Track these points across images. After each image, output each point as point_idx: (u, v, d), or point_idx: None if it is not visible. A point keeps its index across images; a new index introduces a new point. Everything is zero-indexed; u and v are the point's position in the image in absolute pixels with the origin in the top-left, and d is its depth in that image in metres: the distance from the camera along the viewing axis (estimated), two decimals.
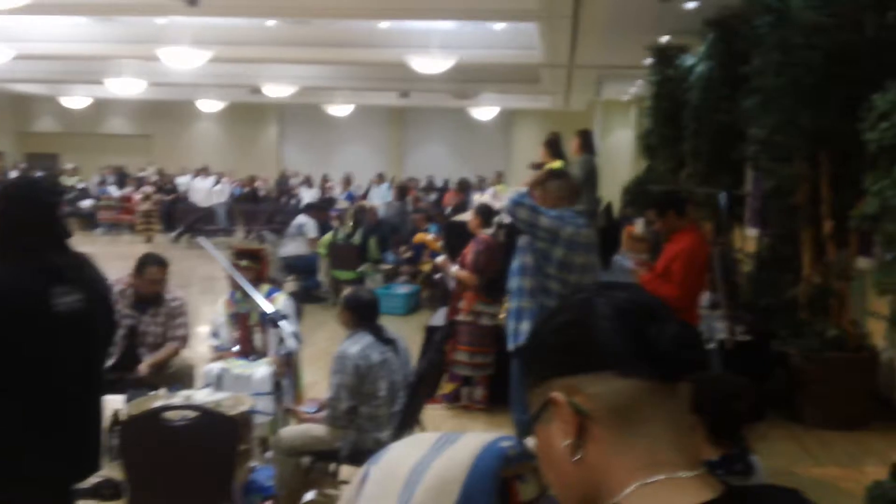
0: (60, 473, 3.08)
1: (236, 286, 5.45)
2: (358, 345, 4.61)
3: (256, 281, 5.89)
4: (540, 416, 1.07)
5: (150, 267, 5.63)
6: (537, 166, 6.59)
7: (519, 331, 5.03)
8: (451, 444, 2.75)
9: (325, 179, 22.84)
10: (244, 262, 5.73)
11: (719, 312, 6.70)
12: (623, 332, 1.01)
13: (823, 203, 6.57)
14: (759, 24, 6.77)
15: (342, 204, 18.18)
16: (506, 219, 8.03)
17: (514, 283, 5.17)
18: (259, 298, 4.51)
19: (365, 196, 20.26)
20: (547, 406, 1.05)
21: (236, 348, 5.85)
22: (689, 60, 10.65)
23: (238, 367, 5.67)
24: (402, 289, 11.59)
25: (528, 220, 4.94)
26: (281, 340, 4.83)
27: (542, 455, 1.09)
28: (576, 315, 1.06)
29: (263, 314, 4.12)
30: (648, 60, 12.12)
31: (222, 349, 5.90)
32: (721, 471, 2.46)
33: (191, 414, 3.80)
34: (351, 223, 11.95)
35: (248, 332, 5.87)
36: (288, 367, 5.70)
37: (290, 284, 12.29)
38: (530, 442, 1.14)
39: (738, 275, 7.62)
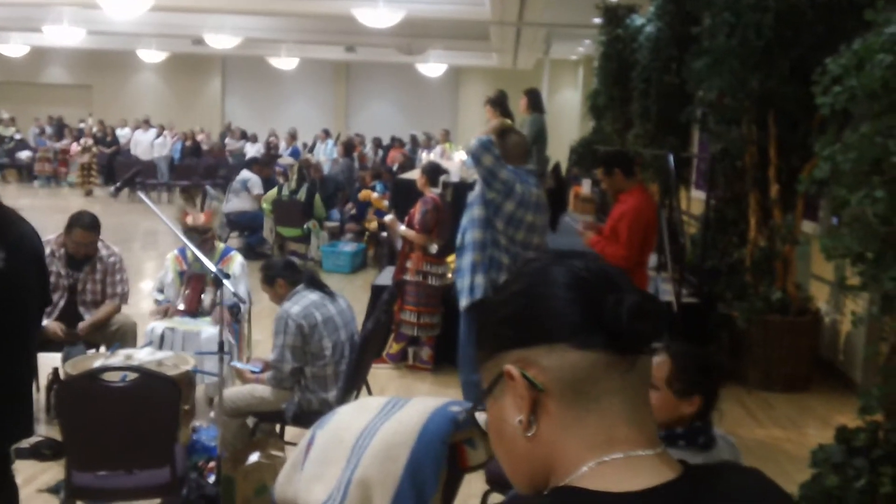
0: None
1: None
2: (299, 305, 4.53)
3: (212, 246, 5.80)
4: (492, 391, 1.02)
5: (76, 229, 5.40)
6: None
7: (474, 285, 4.97)
8: (399, 408, 2.72)
9: (271, 135, 22.48)
10: (201, 238, 5.63)
11: (665, 274, 6.72)
12: (579, 303, 0.96)
13: (771, 166, 6.61)
14: None
15: (287, 160, 17.93)
16: (453, 178, 7.97)
17: (465, 237, 5.10)
18: (203, 257, 4.39)
19: (310, 152, 20.02)
20: (499, 380, 1.00)
21: (181, 306, 5.76)
22: (638, 20, 10.63)
23: (185, 325, 5.59)
24: (348, 247, 11.50)
25: (490, 167, 4.84)
26: (234, 296, 4.74)
27: (494, 431, 1.04)
28: (530, 284, 1.00)
29: (214, 272, 4.02)
30: (597, 20, 12.08)
31: (164, 304, 5.80)
32: (683, 442, 2.43)
33: (131, 375, 3.70)
34: (296, 179, 11.78)
35: (199, 290, 5.78)
36: (236, 323, 5.63)
37: (234, 241, 12.14)
38: (481, 417, 1.08)
39: (684, 237, 7.66)
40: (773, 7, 6.11)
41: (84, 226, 5.42)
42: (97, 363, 4.45)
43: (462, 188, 7.87)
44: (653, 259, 8.49)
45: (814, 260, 7.13)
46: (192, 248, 4.51)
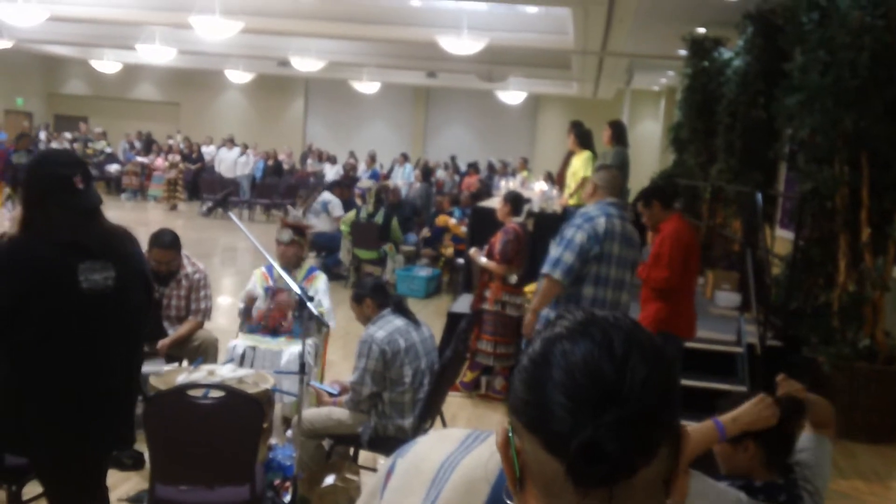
0: (78, 447, 3.03)
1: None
2: (384, 330, 4.55)
3: (299, 259, 5.87)
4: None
5: (154, 248, 5.52)
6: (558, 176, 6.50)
7: None
8: (480, 442, 2.69)
9: (351, 157, 22.74)
10: (294, 238, 5.72)
11: (749, 315, 6.58)
12: (560, 412, 0.87)
13: (862, 208, 6.45)
14: (804, 20, 6.65)
15: (366, 183, 18.12)
16: (533, 207, 7.95)
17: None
18: (286, 276, 4.45)
19: (388, 175, 20.20)
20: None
21: (263, 323, 5.82)
22: (725, 53, 10.52)
23: (266, 343, 5.64)
24: (423, 271, 11.53)
25: (576, 266, 4.83)
26: (313, 318, 4.78)
27: None
28: (532, 362, 0.92)
29: (299, 294, 4.07)
30: (682, 52, 11.98)
31: (251, 329, 5.84)
32: (762, 496, 2.30)
33: (215, 391, 3.74)
34: (373, 202, 11.89)
35: (283, 308, 5.83)
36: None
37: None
38: None
39: (768, 276, 7.49)
40: (868, 46, 6.00)
41: (162, 245, 5.54)
42: (181, 378, 4.51)
43: (542, 218, 7.85)
44: (737, 298, 8.34)
45: None
46: (278, 268, 4.58)
